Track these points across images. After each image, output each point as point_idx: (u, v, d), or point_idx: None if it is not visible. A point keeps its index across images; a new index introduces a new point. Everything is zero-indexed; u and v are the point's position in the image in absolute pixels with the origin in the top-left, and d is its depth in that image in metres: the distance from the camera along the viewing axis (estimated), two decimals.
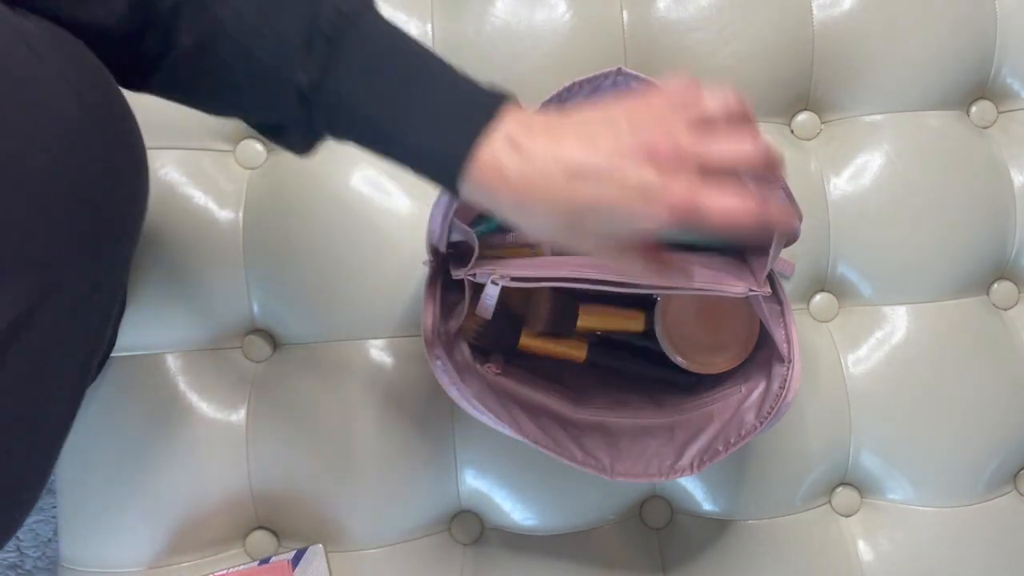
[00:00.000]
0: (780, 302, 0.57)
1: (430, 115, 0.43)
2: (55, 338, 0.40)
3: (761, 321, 0.60)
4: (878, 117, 0.72)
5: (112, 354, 0.67)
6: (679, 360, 0.62)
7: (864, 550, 0.70)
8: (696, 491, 0.70)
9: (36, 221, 0.38)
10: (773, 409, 0.55)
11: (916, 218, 0.71)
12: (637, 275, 0.48)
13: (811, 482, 0.70)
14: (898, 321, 0.71)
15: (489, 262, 0.56)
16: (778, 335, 0.56)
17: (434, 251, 0.57)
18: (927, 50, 0.71)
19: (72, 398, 0.45)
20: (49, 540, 0.95)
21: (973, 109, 0.74)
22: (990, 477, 0.70)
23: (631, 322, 0.63)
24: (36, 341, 0.39)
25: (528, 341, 0.63)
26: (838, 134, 0.72)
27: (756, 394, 0.58)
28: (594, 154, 0.41)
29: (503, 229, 0.63)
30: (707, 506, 0.70)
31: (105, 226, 0.41)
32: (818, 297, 0.72)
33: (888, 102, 0.72)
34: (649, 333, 0.63)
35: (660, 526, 0.71)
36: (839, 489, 0.71)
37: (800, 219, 0.54)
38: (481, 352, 0.62)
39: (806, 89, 0.72)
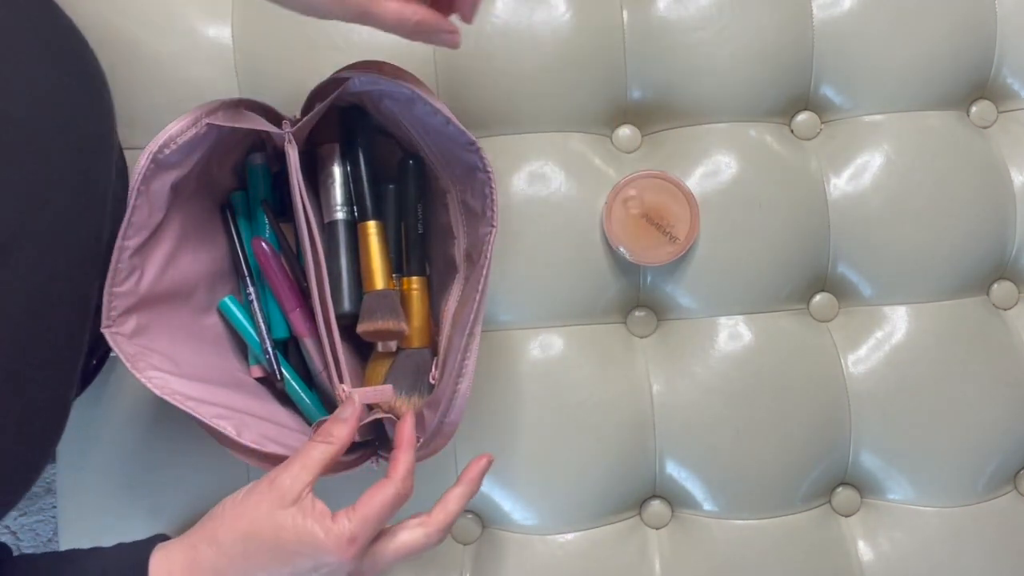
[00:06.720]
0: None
1: None
2: (54, 244, 0.45)
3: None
4: (878, 117, 0.72)
5: (112, 353, 0.67)
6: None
7: (864, 550, 0.70)
8: (696, 491, 0.70)
9: (23, 152, 0.43)
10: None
11: (916, 218, 0.71)
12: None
13: (811, 482, 0.70)
14: (898, 321, 0.71)
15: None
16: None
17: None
18: (927, 50, 0.71)
19: (79, 323, 0.49)
20: (49, 540, 0.95)
21: (973, 109, 0.74)
22: (990, 477, 0.70)
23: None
24: (41, 240, 0.44)
25: None
26: (838, 134, 0.72)
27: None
28: None
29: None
30: (707, 506, 0.70)
31: (79, 149, 0.46)
32: (818, 297, 0.72)
33: (888, 102, 0.72)
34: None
35: (660, 526, 0.71)
36: (839, 489, 0.71)
37: None
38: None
39: (806, 89, 0.72)
